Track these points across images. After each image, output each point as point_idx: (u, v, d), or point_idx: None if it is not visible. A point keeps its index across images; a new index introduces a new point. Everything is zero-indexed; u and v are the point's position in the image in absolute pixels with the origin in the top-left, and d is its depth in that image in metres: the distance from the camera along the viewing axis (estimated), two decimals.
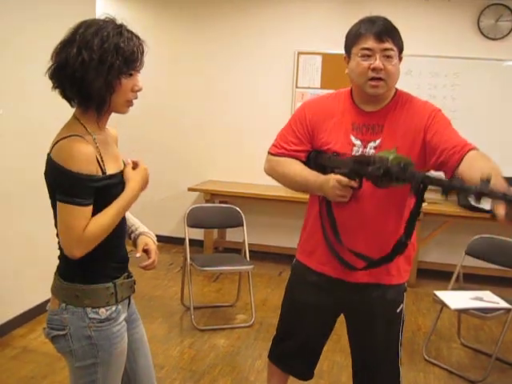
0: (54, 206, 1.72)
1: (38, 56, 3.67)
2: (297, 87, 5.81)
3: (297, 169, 2.19)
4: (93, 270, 1.76)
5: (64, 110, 1.81)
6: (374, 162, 1.88)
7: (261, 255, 5.69)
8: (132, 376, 1.94)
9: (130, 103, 1.76)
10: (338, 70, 5.74)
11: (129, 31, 1.70)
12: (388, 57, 2.01)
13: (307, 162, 2.21)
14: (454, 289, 3.85)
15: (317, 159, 2.17)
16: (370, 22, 2.09)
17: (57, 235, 1.75)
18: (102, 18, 1.71)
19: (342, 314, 2.39)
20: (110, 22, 1.69)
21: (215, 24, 6.02)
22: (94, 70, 1.61)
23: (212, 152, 6.19)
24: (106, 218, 1.69)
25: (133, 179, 1.78)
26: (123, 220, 1.85)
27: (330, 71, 5.65)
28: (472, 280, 4.35)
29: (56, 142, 1.66)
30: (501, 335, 3.54)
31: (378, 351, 2.29)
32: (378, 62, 2.00)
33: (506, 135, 5.46)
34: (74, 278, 1.75)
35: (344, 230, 2.13)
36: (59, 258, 1.79)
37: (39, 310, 3.87)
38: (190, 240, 4.32)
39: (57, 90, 1.71)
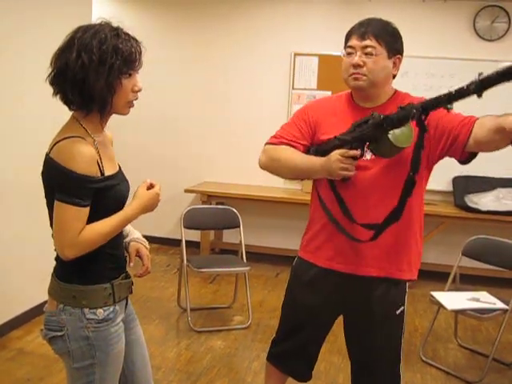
0: (49, 206, 1.72)
1: (35, 58, 3.70)
2: (293, 88, 5.82)
3: (296, 152, 2.20)
4: (90, 270, 1.76)
5: (61, 112, 1.81)
6: (372, 116, 1.95)
7: (257, 256, 5.68)
8: (129, 377, 1.94)
9: (130, 104, 1.77)
10: (335, 71, 5.74)
11: (125, 33, 1.72)
12: (368, 54, 2.09)
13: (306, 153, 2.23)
14: (450, 290, 3.85)
15: (317, 150, 2.19)
16: (362, 23, 2.19)
17: (52, 236, 1.76)
18: (98, 22, 1.73)
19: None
20: (106, 25, 1.71)
21: (211, 25, 6.02)
22: (94, 71, 1.63)
23: (209, 153, 6.19)
24: (105, 226, 1.70)
25: (140, 198, 1.81)
26: None
27: (326, 72, 5.65)
28: (469, 281, 4.36)
29: (56, 143, 1.66)
30: (497, 336, 3.55)
31: (377, 353, 2.28)
32: (356, 59, 2.09)
33: None
34: (71, 278, 1.74)
35: (352, 204, 2.14)
36: (56, 259, 1.79)
37: (36, 311, 3.86)
38: (187, 241, 4.32)
39: (58, 96, 1.72)
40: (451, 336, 4.17)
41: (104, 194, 1.71)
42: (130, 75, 1.72)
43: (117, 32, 1.69)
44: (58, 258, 1.77)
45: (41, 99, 3.16)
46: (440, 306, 3.60)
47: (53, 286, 1.80)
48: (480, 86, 1.61)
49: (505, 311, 3.51)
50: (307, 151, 2.23)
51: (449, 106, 1.69)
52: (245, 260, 4.34)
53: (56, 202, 1.65)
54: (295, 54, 5.80)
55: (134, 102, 1.78)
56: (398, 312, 2.25)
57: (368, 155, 2.09)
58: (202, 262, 4.29)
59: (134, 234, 2.02)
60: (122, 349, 1.82)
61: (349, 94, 2.24)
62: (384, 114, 1.91)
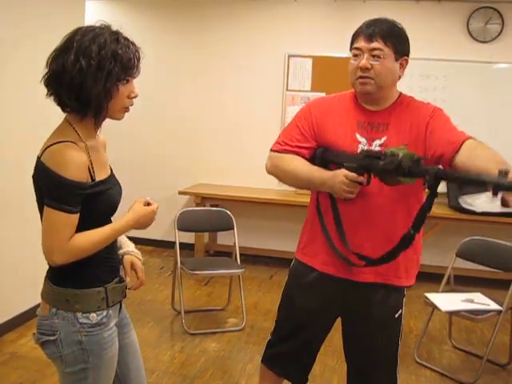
0: (41, 210, 1.71)
1: (28, 62, 3.68)
2: (287, 90, 5.82)
3: (300, 164, 2.16)
4: (83, 274, 1.74)
5: (55, 115, 1.79)
6: (385, 156, 1.89)
7: (252, 259, 5.68)
8: (123, 381, 1.92)
9: (126, 109, 1.76)
10: (329, 72, 5.80)
11: (125, 38, 1.71)
12: (376, 56, 2.04)
13: (311, 160, 2.19)
14: (444, 291, 3.85)
15: (324, 155, 2.16)
16: (369, 23, 2.11)
17: None
18: (97, 24, 1.71)
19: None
20: (105, 29, 1.69)
21: (205, 27, 6.02)
22: (92, 76, 1.61)
23: (202, 155, 6.18)
24: (95, 235, 1.69)
25: (135, 212, 1.78)
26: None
27: (320, 74, 5.65)
28: (463, 282, 4.36)
29: (48, 147, 1.64)
30: (492, 337, 3.55)
31: (373, 356, 2.26)
32: (363, 61, 2.04)
33: (496, 137, 5.48)
34: (64, 282, 1.73)
35: (349, 229, 2.12)
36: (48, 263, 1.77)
37: (29, 315, 3.83)
38: (181, 244, 4.31)
39: (51, 98, 1.70)
40: (445, 337, 4.17)
41: (95, 199, 1.70)
42: (127, 81, 1.71)
43: (117, 37, 1.68)
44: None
45: (37, 102, 3.14)
46: (434, 307, 3.60)
47: (46, 290, 1.78)
48: (498, 188, 1.56)
49: (499, 312, 3.51)
50: (314, 152, 2.19)
51: (461, 188, 1.69)
52: (239, 262, 4.33)
53: (45, 208, 1.64)
54: (289, 56, 5.80)
55: (130, 107, 1.77)
56: (396, 315, 2.25)
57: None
58: (196, 265, 4.28)
59: (128, 246, 2.00)
60: (115, 353, 1.80)
61: (353, 93, 2.20)
62: (397, 162, 1.82)
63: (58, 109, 1.74)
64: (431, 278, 5.12)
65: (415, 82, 5.59)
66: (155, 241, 6.32)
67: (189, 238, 5.52)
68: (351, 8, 5.71)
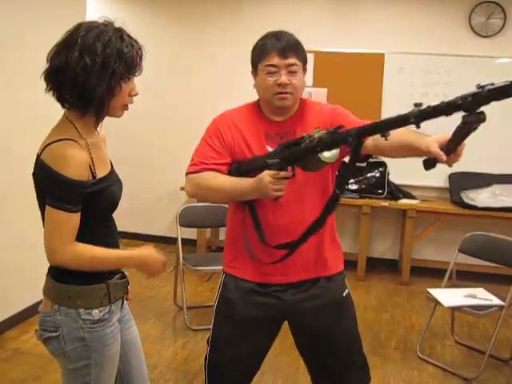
0: (42, 208, 1.71)
1: (28, 58, 3.68)
2: None
3: (223, 178, 2.12)
4: (85, 270, 1.73)
5: (54, 111, 1.79)
6: (303, 139, 1.88)
7: None
8: (125, 377, 1.92)
9: (126, 107, 1.76)
10: (330, 67, 5.79)
11: (128, 35, 1.70)
12: (292, 72, 2.08)
13: (229, 174, 2.16)
14: (447, 286, 3.85)
15: (239, 169, 2.13)
16: (274, 38, 2.13)
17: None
18: (101, 20, 1.70)
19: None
20: (109, 26, 1.68)
21: (205, 23, 6.01)
22: (96, 74, 1.61)
23: None
24: (99, 252, 1.69)
25: (145, 253, 1.79)
26: (113, 222, 1.86)
27: (322, 69, 5.63)
28: (465, 277, 4.35)
29: (48, 144, 1.64)
30: (494, 332, 3.55)
31: (336, 344, 2.22)
32: (283, 78, 2.06)
33: (497, 133, 5.47)
34: (66, 279, 1.72)
35: (267, 226, 2.10)
36: None
37: (31, 311, 3.84)
38: (183, 239, 4.31)
39: (51, 92, 1.69)
40: (448, 333, 4.17)
41: (97, 197, 1.69)
42: (129, 79, 1.71)
43: (121, 34, 1.67)
44: None
45: (38, 100, 3.13)
46: (437, 302, 3.60)
47: (48, 286, 1.78)
48: (419, 117, 1.54)
49: (501, 307, 3.50)
50: (230, 167, 2.16)
51: (386, 133, 1.63)
52: None
53: (47, 207, 1.64)
54: None
55: (129, 105, 1.77)
56: (344, 294, 2.23)
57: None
58: (198, 260, 4.29)
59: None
60: (117, 349, 1.81)
61: (255, 104, 2.22)
62: (317, 138, 1.82)
63: (59, 104, 1.73)
64: (433, 273, 5.13)
65: (417, 77, 5.58)
66: (157, 237, 6.33)
67: (191, 233, 5.52)
68: (353, 3, 5.69)
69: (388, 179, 5.47)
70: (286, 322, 2.29)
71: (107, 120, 1.80)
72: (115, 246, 1.85)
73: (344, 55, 5.55)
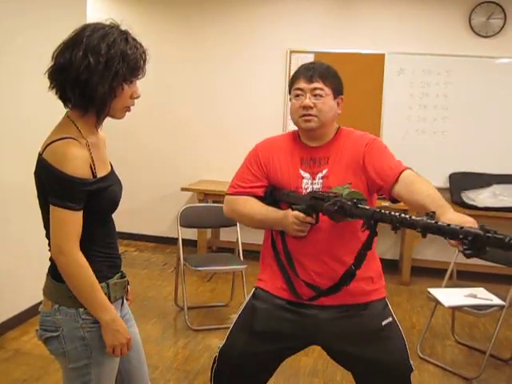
0: (42, 207, 1.71)
1: (30, 58, 3.69)
2: None
3: (254, 206, 2.24)
4: None
5: (55, 111, 1.80)
6: (329, 198, 1.97)
7: (254, 255, 5.62)
8: (126, 376, 1.93)
9: (127, 109, 1.78)
10: None
11: (133, 38, 1.72)
12: (317, 95, 2.16)
13: (263, 198, 2.28)
14: (447, 286, 3.85)
15: (272, 194, 2.26)
16: (307, 66, 2.25)
17: (46, 236, 1.75)
18: (107, 22, 1.72)
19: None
20: (115, 28, 1.70)
21: (206, 23, 6.01)
22: (99, 74, 1.63)
23: (205, 152, 6.18)
24: (92, 276, 1.68)
25: (118, 326, 1.73)
26: (113, 222, 1.86)
27: None
28: (466, 277, 4.36)
29: (49, 143, 1.65)
30: (495, 332, 3.55)
31: (365, 372, 2.23)
32: (306, 101, 2.16)
33: (499, 132, 5.48)
34: None
35: (298, 261, 2.18)
36: (50, 259, 1.78)
37: (31, 312, 3.85)
38: (184, 240, 4.32)
39: (53, 90, 1.70)
40: (448, 332, 4.17)
41: (97, 196, 1.70)
42: (132, 82, 1.72)
43: (125, 36, 1.69)
44: (53, 259, 1.76)
45: (38, 99, 3.14)
46: (437, 302, 3.61)
47: (48, 286, 1.79)
48: (425, 229, 1.60)
49: (502, 307, 3.51)
50: (266, 189, 2.28)
51: (397, 225, 1.70)
52: (242, 258, 4.33)
53: (51, 206, 1.64)
54: (291, 52, 5.79)
55: (131, 107, 1.78)
56: (383, 323, 2.20)
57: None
58: (199, 261, 4.29)
59: None
60: None
61: (295, 133, 2.31)
62: (339, 205, 1.89)
63: (59, 103, 1.74)
64: (434, 273, 5.14)
65: (417, 77, 5.59)
66: (158, 237, 6.34)
67: (191, 234, 5.53)
68: (353, 3, 5.70)
69: None
70: None
71: (109, 121, 1.81)
72: (114, 246, 1.86)
73: (344, 56, 5.55)
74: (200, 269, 4.14)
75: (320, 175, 2.18)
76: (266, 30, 5.90)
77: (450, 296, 3.60)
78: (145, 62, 1.75)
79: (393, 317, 2.24)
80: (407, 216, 1.67)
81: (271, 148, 2.30)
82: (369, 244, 1.97)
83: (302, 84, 2.18)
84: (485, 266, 4.69)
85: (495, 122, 5.48)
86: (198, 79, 6.11)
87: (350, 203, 1.87)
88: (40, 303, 1.83)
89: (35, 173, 1.71)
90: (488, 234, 1.47)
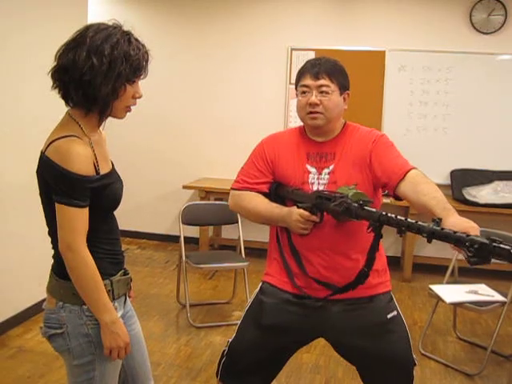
0: (45, 204, 1.72)
1: (32, 57, 3.70)
2: (290, 83, 5.81)
3: (259, 202, 2.25)
4: None
5: (57, 110, 1.81)
6: (335, 198, 1.98)
7: (256, 252, 5.67)
8: (129, 372, 1.94)
9: (128, 109, 1.79)
10: None
11: (136, 39, 1.73)
12: (324, 92, 2.16)
13: (268, 194, 2.29)
14: (449, 282, 3.86)
15: (278, 191, 2.26)
16: (313, 63, 2.23)
17: (49, 234, 1.76)
18: (110, 23, 1.73)
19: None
20: (118, 29, 1.71)
21: (207, 21, 6.02)
22: (102, 75, 1.64)
23: (206, 149, 6.19)
24: (97, 274, 1.69)
25: (119, 328, 1.74)
26: (115, 220, 1.87)
27: None
28: (467, 273, 4.36)
29: (52, 141, 1.65)
30: (496, 328, 3.56)
31: (371, 365, 2.24)
32: (313, 98, 2.16)
33: (500, 129, 5.48)
34: None
35: (305, 257, 2.19)
36: (53, 257, 1.79)
37: (35, 309, 3.87)
38: (186, 238, 4.33)
39: (56, 90, 1.71)
40: (450, 329, 4.18)
41: (101, 194, 1.71)
42: (134, 82, 1.74)
43: (129, 37, 1.70)
44: (56, 256, 1.77)
45: (39, 98, 3.15)
46: (439, 299, 3.61)
47: (52, 284, 1.79)
48: (430, 235, 1.62)
49: (503, 303, 3.51)
50: (271, 186, 2.28)
51: (403, 229, 1.72)
52: (243, 255, 4.35)
53: (56, 205, 1.65)
54: (292, 49, 5.80)
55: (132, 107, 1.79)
56: (388, 316, 2.21)
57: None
58: (200, 258, 4.30)
59: None
60: None
61: (302, 128, 2.31)
62: (345, 205, 1.91)
63: (61, 101, 1.75)
64: (435, 269, 5.15)
65: (418, 74, 5.59)
66: (160, 235, 6.36)
67: (193, 232, 5.54)
68: (354, 1, 5.70)
69: None
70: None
71: (110, 119, 1.82)
72: (117, 243, 1.87)
73: (345, 53, 5.54)
74: (202, 266, 4.15)
75: (327, 170, 2.18)
76: (267, 27, 5.91)
77: (452, 292, 3.60)
78: (147, 62, 1.76)
79: (397, 310, 2.25)
80: (413, 221, 1.69)
81: (277, 143, 2.31)
82: (376, 246, 1.97)
83: (308, 81, 2.18)
84: None
85: (496, 119, 5.48)
86: (199, 77, 6.12)
87: (356, 205, 1.88)
88: (43, 301, 1.85)
89: (37, 171, 1.71)
90: (494, 244, 1.47)
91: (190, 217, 4.36)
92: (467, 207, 5.14)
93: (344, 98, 2.23)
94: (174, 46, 6.13)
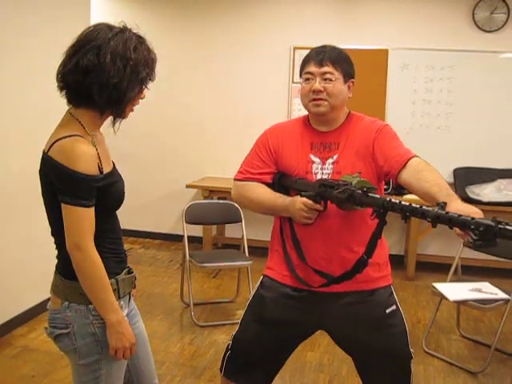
0: (48, 204, 1.73)
1: (36, 57, 3.71)
2: (293, 82, 5.82)
3: (263, 192, 2.25)
4: None
5: (64, 110, 1.80)
6: (338, 186, 1.98)
7: (260, 251, 5.67)
8: (134, 371, 1.95)
9: (132, 109, 1.80)
10: None
11: (147, 43, 1.77)
12: (327, 79, 2.16)
13: (272, 184, 2.28)
14: (452, 281, 3.86)
15: (281, 181, 2.26)
16: (318, 50, 2.24)
17: (52, 233, 1.76)
18: (120, 25, 1.73)
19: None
20: (131, 33, 1.73)
21: (211, 20, 6.02)
22: (127, 79, 1.67)
23: (210, 148, 6.19)
24: (104, 275, 1.69)
25: (124, 327, 1.74)
26: (117, 219, 1.88)
27: None
28: (470, 272, 4.37)
29: (55, 141, 1.65)
30: (500, 326, 3.56)
31: (368, 359, 2.24)
32: (316, 85, 2.16)
33: (503, 127, 5.48)
34: (76, 275, 1.73)
35: (306, 247, 2.18)
36: (57, 257, 1.79)
37: (39, 309, 3.88)
38: (189, 237, 4.33)
39: (60, 88, 1.71)
40: (454, 327, 4.18)
41: (104, 193, 1.71)
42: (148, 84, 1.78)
43: (143, 41, 1.74)
44: (60, 256, 1.77)
45: (43, 99, 3.16)
46: (442, 297, 3.61)
47: (57, 284, 1.80)
48: (435, 219, 1.62)
49: (507, 301, 3.51)
50: (274, 176, 2.28)
51: (407, 214, 1.72)
52: (247, 254, 4.35)
53: (62, 205, 1.65)
54: (295, 48, 5.80)
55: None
56: (387, 311, 2.21)
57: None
58: (204, 257, 4.31)
59: None
60: None
61: (305, 117, 2.31)
62: (349, 192, 1.90)
63: (63, 101, 1.75)
64: (439, 267, 5.15)
65: (421, 72, 5.59)
66: (164, 234, 6.37)
67: (197, 231, 5.54)
68: (356, 0, 5.70)
69: None
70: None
71: (111, 118, 1.82)
72: (120, 242, 1.87)
73: (348, 51, 5.50)
74: (206, 265, 4.16)
75: (330, 160, 2.17)
76: (271, 26, 5.91)
77: (455, 290, 3.60)
78: (155, 64, 1.79)
79: (397, 304, 2.25)
80: (418, 206, 1.68)
81: (281, 133, 2.30)
82: (379, 233, 1.97)
83: (312, 68, 2.18)
84: (489, 260, 4.70)
85: (499, 117, 5.48)
86: (202, 77, 6.12)
87: (360, 192, 1.87)
88: (47, 300, 1.85)
89: (40, 171, 1.71)
90: (500, 226, 1.47)
91: (193, 216, 4.37)
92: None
93: (348, 86, 2.23)
94: (179, 45, 6.13)
